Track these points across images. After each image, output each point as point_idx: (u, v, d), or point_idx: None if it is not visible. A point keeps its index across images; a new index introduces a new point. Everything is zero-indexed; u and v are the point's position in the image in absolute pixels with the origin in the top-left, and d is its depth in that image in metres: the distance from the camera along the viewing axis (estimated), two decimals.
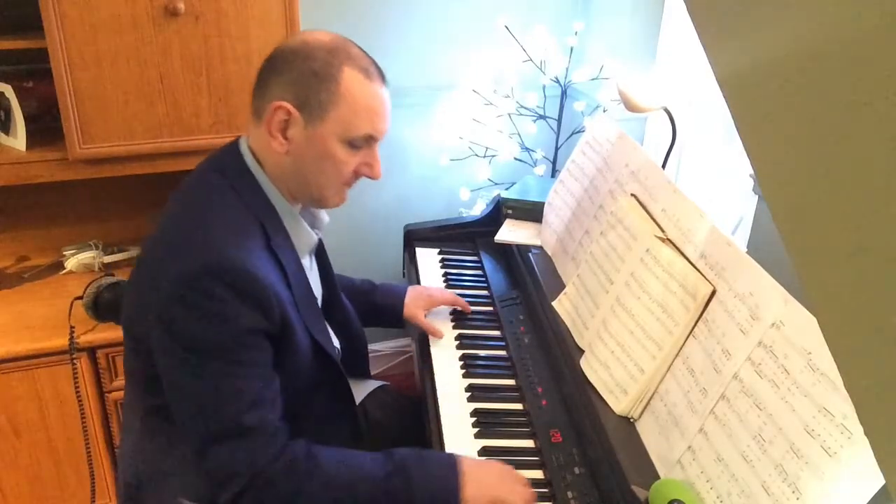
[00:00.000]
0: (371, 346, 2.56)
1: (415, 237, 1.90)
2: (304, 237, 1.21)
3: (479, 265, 1.81)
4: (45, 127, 1.83)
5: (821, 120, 0.34)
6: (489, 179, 2.34)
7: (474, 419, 1.31)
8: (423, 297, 1.58)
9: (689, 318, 1.13)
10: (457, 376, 1.43)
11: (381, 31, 2.20)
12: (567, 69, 2.20)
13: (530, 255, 1.69)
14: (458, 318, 1.61)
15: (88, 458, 1.79)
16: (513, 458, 1.23)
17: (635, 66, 1.96)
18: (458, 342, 1.53)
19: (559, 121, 2.27)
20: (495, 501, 1.11)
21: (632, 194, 1.39)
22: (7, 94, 1.77)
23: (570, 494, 1.15)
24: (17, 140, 1.77)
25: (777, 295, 0.98)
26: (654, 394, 1.17)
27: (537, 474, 1.21)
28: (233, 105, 1.77)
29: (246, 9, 1.70)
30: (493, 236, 1.80)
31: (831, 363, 0.87)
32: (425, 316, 1.57)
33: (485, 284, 1.74)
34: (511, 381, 1.42)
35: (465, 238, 1.91)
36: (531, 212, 1.81)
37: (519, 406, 1.36)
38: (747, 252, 1.09)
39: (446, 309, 1.62)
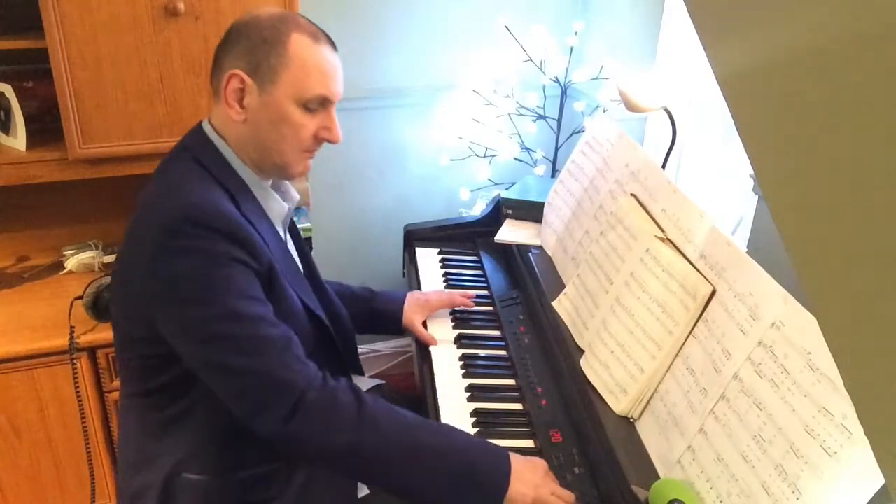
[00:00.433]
0: (371, 346, 2.58)
1: (415, 237, 1.90)
2: (275, 207, 1.23)
3: (479, 265, 1.81)
4: (45, 127, 1.83)
5: (821, 120, 0.34)
6: (489, 179, 2.34)
7: (474, 419, 1.31)
8: (421, 303, 1.58)
9: (689, 318, 1.13)
10: (457, 376, 1.43)
11: (381, 31, 2.20)
12: (567, 69, 2.20)
13: (530, 255, 1.69)
14: (458, 318, 1.61)
15: (88, 458, 1.79)
16: None
17: (635, 66, 1.96)
18: (458, 342, 1.53)
19: (559, 121, 2.27)
20: (537, 501, 1.10)
21: (632, 194, 1.39)
22: (7, 94, 1.77)
23: None
24: (17, 140, 1.77)
25: (777, 295, 0.98)
26: (654, 394, 1.17)
27: None
28: None
29: (245, 9, 1.70)
30: (493, 236, 1.80)
31: (831, 363, 0.87)
32: (424, 321, 1.57)
33: (485, 284, 1.74)
34: (511, 381, 1.42)
35: (465, 238, 1.91)
36: (531, 212, 1.81)
37: (519, 406, 1.36)
38: (747, 252, 1.09)
39: (447, 309, 1.62)
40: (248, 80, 1.12)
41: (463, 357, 1.48)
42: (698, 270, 1.15)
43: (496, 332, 1.57)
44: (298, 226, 1.45)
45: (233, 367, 1.06)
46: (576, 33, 2.17)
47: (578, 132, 2.15)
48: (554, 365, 1.41)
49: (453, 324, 1.59)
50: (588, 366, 1.30)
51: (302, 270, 1.37)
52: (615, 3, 2.17)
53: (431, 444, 1.10)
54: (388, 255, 2.39)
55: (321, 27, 1.19)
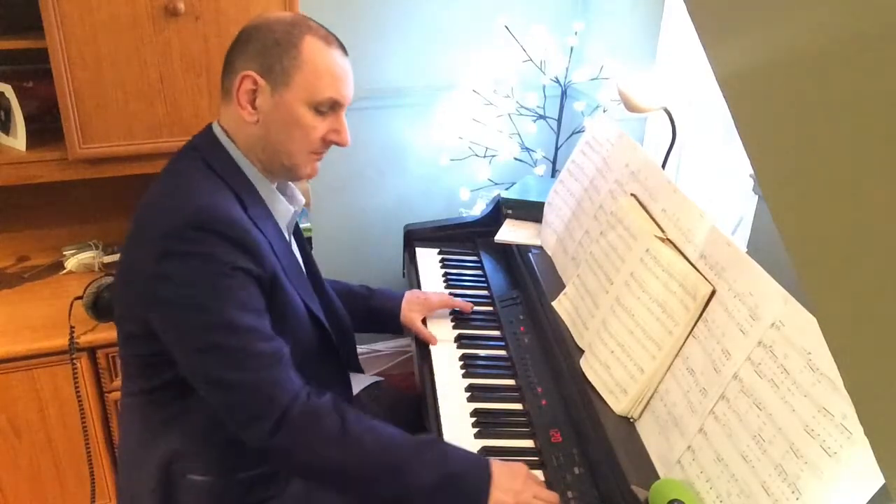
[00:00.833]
0: (371, 346, 2.58)
1: (415, 237, 1.90)
2: (281, 209, 1.24)
3: (479, 265, 1.81)
4: (45, 127, 1.83)
5: (821, 120, 0.34)
6: (489, 179, 2.34)
7: (474, 419, 1.31)
8: (420, 302, 1.58)
9: (689, 318, 1.13)
10: (457, 376, 1.43)
11: (381, 32, 2.20)
12: (567, 69, 2.20)
13: (530, 255, 1.69)
14: (458, 318, 1.61)
15: (88, 458, 1.79)
16: (513, 458, 1.23)
17: (635, 66, 1.96)
18: (458, 342, 1.53)
19: (559, 121, 2.27)
20: (522, 501, 1.11)
21: (632, 194, 1.39)
22: (7, 94, 1.77)
23: (570, 494, 1.15)
24: (17, 140, 1.77)
25: (777, 295, 0.98)
26: (653, 394, 1.17)
27: (537, 474, 1.21)
28: None
29: (246, 9, 1.70)
30: (493, 236, 1.80)
31: (831, 363, 0.87)
32: (423, 320, 1.57)
33: (485, 284, 1.74)
34: (511, 381, 1.42)
35: (465, 238, 1.91)
36: (531, 212, 1.81)
37: (519, 406, 1.36)
38: (747, 252, 1.09)
39: (447, 309, 1.62)
40: (260, 81, 1.12)
41: (463, 357, 1.48)
42: (698, 270, 1.15)
43: (496, 332, 1.57)
44: (298, 226, 1.46)
45: (222, 380, 1.08)
46: (576, 33, 2.17)
47: (578, 132, 2.15)
48: (554, 365, 1.41)
49: (453, 324, 1.59)
50: (588, 366, 1.30)
51: (304, 272, 1.38)
52: (615, 3, 2.17)
53: (413, 460, 1.12)
54: (388, 255, 2.39)
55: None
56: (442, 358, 1.48)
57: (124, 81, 1.68)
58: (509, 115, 2.27)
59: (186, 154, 1.19)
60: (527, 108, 2.26)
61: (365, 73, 2.22)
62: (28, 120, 1.77)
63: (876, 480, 0.81)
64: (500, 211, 1.87)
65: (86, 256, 1.95)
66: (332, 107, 1.17)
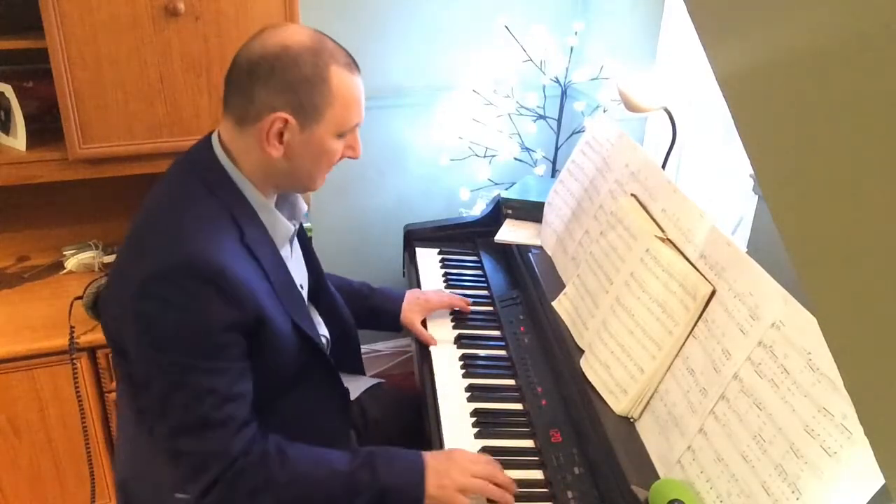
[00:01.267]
0: (371, 346, 2.58)
1: (415, 237, 1.90)
2: (280, 229, 1.22)
3: (479, 265, 1.81)
4: (45, 127, 1.83)
5: (821, 120, 0.34)
6: (489, 179, 2.34)
7: (474, 419, 1.31)
8: (420, 302, 1.58)
9: (689, 318, 1.13)
10: (457, 376, 1.43)
11: (381, 32, 2.20)
12: (567, 69, 2.20)
13: (530, 255, 1.69)
14: (458, 318, 1.61)
15: (88, 458, 1.79)
16: (513, 458, 1.23)
17: (635, 66, 1.96)
18: (458, 342, 1.53)
19: (559, 121, 2.27)
20: (461, 488, 1.14)
21: (632, 194, 1.39)
22: (7, 94, 1.77)
23: (570, 494, 1.15)
24: (17, 140, 1.77)
25: (777, 295, 0.98)
26: (653, 394, 1.17)
27: (537, 474, 1.21)
28: None
29: (246, 9, 1.70)
30: (493, 236, 1.80)
31: (831, 363, 0.87)
32: (423, 321, 1.57)
33: (485, 284, 1.74)
34: (511, 381, 1.42)
35: (465, 238, 1.91)
36: (531, 212, 1.81)
37: (519, 406, 1.36)
38: (747, 252, 1.09)
39: (447, 309, 1.62)
40: (292, 120, 1.10)
41: (463, 357, 1.48)
42: (698, 270, 1.15)
43: (496, 332, 1.57)
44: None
45: (167, 432, 1.10)
46: (576, 33, 2.17)
47: (578, 132, 2.15)
48: (554, 365, 1.41)
49: (453, 324, 1.59)
50: (588, 366, 1.30)
51: (307, 283, 1.37)
52: (615, 3, 2.17)
53: (344, 494, 1.13)
54: (388, 255, 2.39)
55: (327, 31, 1.19)
56: (442, 358, 1.48)
57: (124, 81, 1.68)
58: (509, 115, 2.27)
59: (185, 170, 1.17)
60: (527, 108, 2.26)
61: (365, 74, 2.20)
62: (28, 120, 1.77)
63: (876, 480, 0.81)
64: (500, 211, 1.87)
65: (86, 256, 1.95)
66: (353, 129, 1.19)
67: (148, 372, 1.09)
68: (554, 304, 1.49)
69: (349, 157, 1.21)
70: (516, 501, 1.16)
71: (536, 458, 1.23)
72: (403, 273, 1.89)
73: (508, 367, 1.46)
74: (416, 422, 1.46)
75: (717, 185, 1.86)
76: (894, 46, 0.29)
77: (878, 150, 0.31)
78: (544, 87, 2.24)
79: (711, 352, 1.06)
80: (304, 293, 1.35)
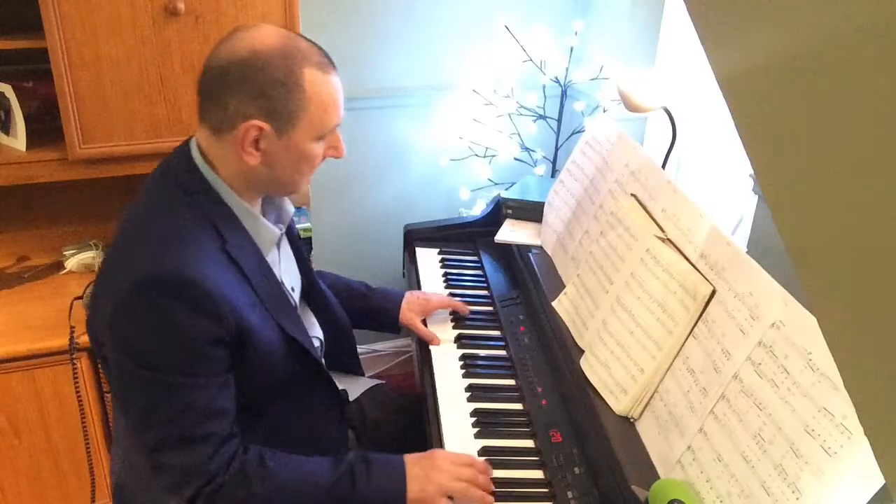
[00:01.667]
0: (371, 346, 2.58)
1: (415, 237, 1.90)
2: (264, 234, 1.20)
3: (479, 265, 1.81)
4: (45, 127, 1.83)
5: (821, 120, 0.34)
6: (489, 179, 2.34)
7: (474, 419, 1.31)
8: (420, 302, 1.57)
9: (689, 318, 1.13)
10: (457, 376, 1.43)
11: (381, 32, 2.20)
12: (567, 69, 2.20)
13: (530, 255, 1.69)
14: (458, 318, 1.61)
15: (88, 458, 1.79)
16: (513, 457, 1.23)
17: (635, 66, 1.96)
18: (458, 342, 1.53)
19: (559, 121, 2.27)
20: (442, 491, 1.14)
21: (632, 194, 1.39)
22: (7, 94, 1.77)
23: (570, 494, 1.15)
24: (17, 140, 1.77)
25: (777, 295, 0.98)
26: (653, 394, 1.17)
27: (537, 474, 1.21)
28: None
29: (246, 9, 1.70)
30: (493, 236, 1.80)
31: (831, 363, 0.87)
32: (423, 321, 1.56)
33: (485, 284, 1.74)
34: (511, 381, 1.42)
35: (465, 238, 1.91)
36: (531, 212, 1.81)
37: (519, 406, 1.36)
38: (747, 252, 1.09)
39: (447, 310, 1.62)
40: (266, 127, 1.08)
41: (463, 357, 1.48)
42: (698, 270, 1.15)
43: (496, 332, 1.57)
44: (298, 226, 1.45)
45: (145, 444, 1.10)
46: (576, 33, 2.17)
47: (578, 132, 2.15)
48: (554, 365, 1.41)
49: (453, 324, 1.59)
50: (588, 366, 1.30)
51: (299, 285, 1.36)
52: (615, 3, 2.17)
53: (330, 499, 1.14)
54: (388, 255, 2.39)
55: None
56: (442, 358, 1.48)
57: (124, 81, 1.68)
58: (509, 115, 2.27)
59: (164, 179, 1.16)
60: (527, 108, 2.26)
61: (365, 74, 2.22)
62: (28, 120, 1.77)
63: (876, 480, 0.81)
64: (500, 211, 1.87)
65: (86, 256, 1.95)
66: (332, 131, 1.16)
67: (129, 387, 1.09)
68: (554, 304, 1.49)
69: (333, 157, 1.19)
70: (517, 501, 1.17)
71: (536, 458, 1.23)
72: (403, 273, 1.89)
73: (508, 367, 1.46)
74: (416, 423, 1.46)
75: (717, 185, 1.86)
76: (894, 46, 0.29)
77: (878, 150, 0.31)
78: (544, 87, 2.24)
79: (711, 352, 1.06)
80: (296, 295, 1.34)
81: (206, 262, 1.07)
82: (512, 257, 1.76)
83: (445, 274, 1.77)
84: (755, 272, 1.04)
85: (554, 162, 2.31)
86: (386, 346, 2.63)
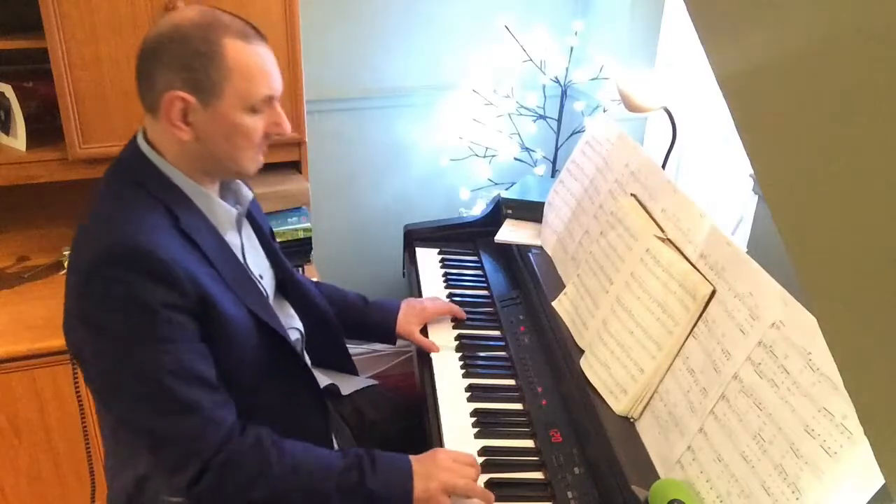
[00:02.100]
0: (371, 346, 2.58)
1: (415, 237, 1.90)
2: (220, 213, 1.19)
3: (479, 265, 1.81)
4: (45, 127, 1.83)
5: (821, 120, 0.34)
6: (489, 179, 2.34)
7: (474, 419, 1.31)
8: (417, 311, 1.55)
9: (689, 318, 1.13)
10: (457, 376, 1.43)
11: (381, 32, 2.20)
12: (567, 69, 2.20)
13: (530, 255, 1.69)
14: (458, 319, 1.61)
15: (88, 458, 1.79)
16: (513, 458, 1.23)
17: (635, 66, 1.96)
18: (457, 342, 1.53)
19: (559, 121, 2.27)
20: (445, 489, 1.14)
21: (632, 194, 1.39)
22: (7, 94, 1.77)
23: (570, 494, 1.15)
24: (17, 140, 1.77)
25: (777, 295, 0.98)
26: (653, 394, 1.17)
27: (537, 474, 1.21)
28: None
29: (246, 9, 1.70)
30: (493, 236, 1.80)
31: (831, 363, 0.87)
32: (421, 329, 1.55)
33: (485, 284, 1.74)
34: (511, 381, 1.42)
35: (465, 238, 1.91)
36: (531, 212, 1.81)
37: (519, 406, 1.36)
38: (747, 252, 1.09)
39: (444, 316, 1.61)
40: (190, 98, 1.08)
41: (463, 357, 1.48)
42: (698, 270, 1.15)
43: (496, 332, 1.57)
44: (298, 226, 1.43)
45: (142, 426, 1.08)
46: (576, 33, 2.17)
47: (578, 132, 2.15)
48: (554, 365, 1.41)
49: (453, 324, 1.59)
50: (588, 366, 1.30)
51: (267, 273, 1.34)
52: (615, 3, 2.17)
53: (335, 492, 1.13)
54: (388, 255, 2.39)
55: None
56: (442, 358, 1.48)
57: (124, 81, 1.68)
58: (509, 115, 2.27)
59: (115, 170, 1.16)
60: (527, 108, 2.26)
61: (365, 74, 2.22)
62: (28, 120, 1.77)
63: (876, 480, 0.81)
64: (500, 211, 1.87)
65: None
66: (266, 103, 1.14)
67: (111, 374, 1.08)
68: (554, 304, 1.49)
69: (276, 134, 1.17)
70: (517, 502, 1.17)
71: (536, 458, 1.23)
72: (403, 273, 1.89)
73: (508, 367, 1.46)
74: (413, 425, 1.45)
75: (717, 185, 1.86)
76: (894, 46, 0.29)
77: (878, 150, 0.31)
78: (544, 87, 2.24)
79: (711, 352, 1.06)
80: (267, 284, 1.32)
81: (159, 235, 1.07)
82: (512, 257, 1.76)
83: (445, 274, 1.77)
84: (755, 272, 1.04)
85: (554, 162, 2.31)
86: (386, 346, 2.63)
